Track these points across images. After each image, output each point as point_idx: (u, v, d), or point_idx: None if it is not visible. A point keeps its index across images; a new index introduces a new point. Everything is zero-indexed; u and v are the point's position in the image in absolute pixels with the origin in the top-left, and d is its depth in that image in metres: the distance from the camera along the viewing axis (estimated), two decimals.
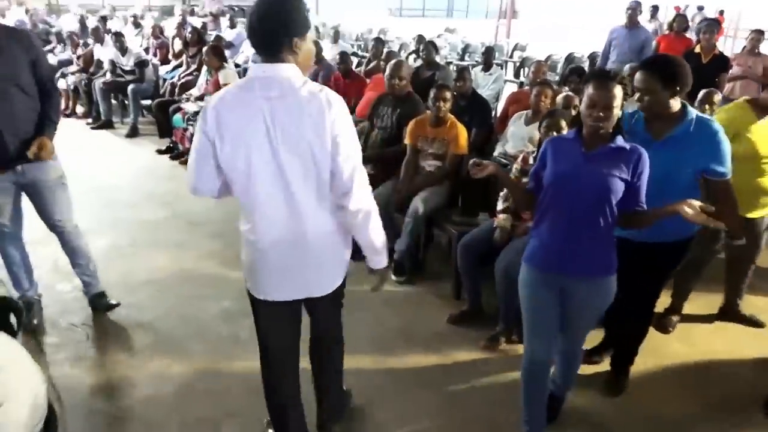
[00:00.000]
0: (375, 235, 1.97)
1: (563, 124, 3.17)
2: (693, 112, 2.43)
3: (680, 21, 6.95)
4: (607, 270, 2.23)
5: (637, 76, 2.41)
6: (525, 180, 3.02)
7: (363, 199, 1.89)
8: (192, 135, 5.93)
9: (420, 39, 7.38)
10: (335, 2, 28.69)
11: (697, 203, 1.89)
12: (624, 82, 2.14)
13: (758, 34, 6.19)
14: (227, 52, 9.14)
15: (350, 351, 3.12)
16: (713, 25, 5.29)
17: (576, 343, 2.47)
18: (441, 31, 14.62)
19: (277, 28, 1.75)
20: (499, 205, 3.35)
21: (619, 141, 2.13)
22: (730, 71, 5.72)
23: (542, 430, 2.45)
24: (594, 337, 3.15)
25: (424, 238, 3.99)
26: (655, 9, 11.83)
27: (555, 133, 3.03)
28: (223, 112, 1.79)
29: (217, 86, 5.96)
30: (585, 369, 3.02)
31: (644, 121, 2.49)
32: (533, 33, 16.25)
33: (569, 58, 10.10)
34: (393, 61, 4.34)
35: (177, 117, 6.23)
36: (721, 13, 19.99)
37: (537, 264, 2.30)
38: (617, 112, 2.08)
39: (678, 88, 2.36)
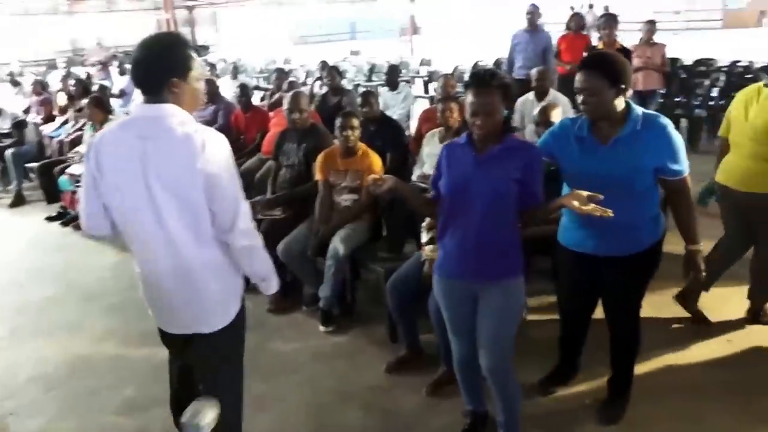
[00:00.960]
0: (260, 266, 2.02)
1: None
2: (638, 109, 2.27)
3: (577, 19, 7.01)
4: (513, 272, 2.20)
5: (580, 76, 2.22)
6: None
7: (246, 236, 1.91)
8: None
9: (323, 65, 7.09)
10: (236, 37, 28.27)
11: (584, 193, 1.90)
12: (505, 82, 2.08)
13: (651, 24, 6.30)
14: (120, 101, 8.58)
15: (281, 420, 2.75)
16: (611, 20, 5.31)
17: (497, 359, 2.25)
18: (346, 54, 14.51)
19: (154, 69, 1.80)
20: (424, 237, 3.05)
21: (510, 140, 2.12)
22: (632, 63, 5.75)
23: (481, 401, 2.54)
24: (547, 364, 2.90)
25: (350, 280, 3.63)
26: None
27: None
28: (102, 150, 1.84)
29: None
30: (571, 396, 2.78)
31: (589, 124, 2.30)
32: (437, 47, 16.43)
33: (475, 68, 10.13)
34: (290, 94, 4.00)
35: (63, 179, 5.62)
36: (606, 9, 21.08)
37: (444, 273, 2.28)
38: (500, 115, 2.08)
39: (623, 86, 2.19)
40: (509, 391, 2.33)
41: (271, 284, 2.09)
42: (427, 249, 3.02)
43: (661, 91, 6.75)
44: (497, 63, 10.34)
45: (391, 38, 24.94)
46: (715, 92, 7.26)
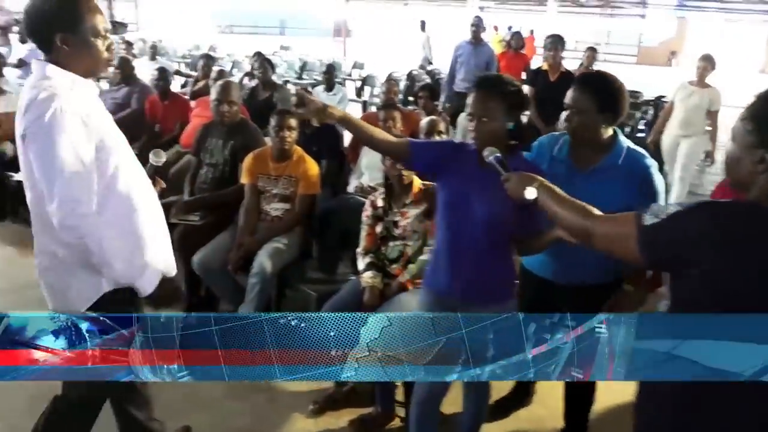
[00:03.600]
0: (103, 254, 1.67)
1: None
2: (625, 142, 2.13)
3: (517, 39, 6.97)
4: (506, 297, 2.07)
5: (571, 93, 2.06)
6: (379, 229, 2.71)
7: (66, 228, 1.62)
8: None
9: (258, 56, 6.57)
10: (157, 17, 26.79)
11: None
12: (511, 90, 1.87)
13: (593, 51, 6.31)
14: (18, 71, 7.66)
15: None
16: (557, 42, 5.19)
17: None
18: (276, 48, 13.93)
19: (39, 21, 1.66)
20: (360, 264, 2.72)
21: (516, 158, 1.90)
22: None
23: None
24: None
25: (275, 302, 3.22)
26: (422, 23, 12.35)
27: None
28: None
29: None
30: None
31: (569, 147, 2.14)
32: (369, 51, 16.19)
33: (411, 76, 9.94)
34: (219, 83, 3.54)
35: None
36: (532, 32, 21.69)
37: (433, 286, 2.10)
38: (498, 125, 1.87)
39: (613, 116, 2.04)
40: (485, 398, 2.30)
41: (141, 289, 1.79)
42: (366, 276, 2.68)
43: None
44: (431, 74, 10.22)
45: (322, 37, 24.51)
46: (641, 125, 7.44)
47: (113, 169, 1.71)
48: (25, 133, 1.61)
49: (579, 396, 2.42)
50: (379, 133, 2.03)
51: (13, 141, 4.67)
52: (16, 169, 4.24)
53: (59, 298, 1.80)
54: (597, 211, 1.46)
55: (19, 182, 4.03)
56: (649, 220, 1.26)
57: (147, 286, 1.80)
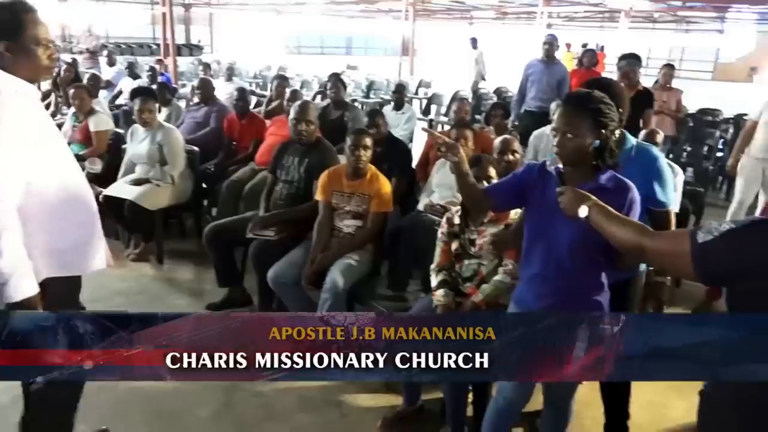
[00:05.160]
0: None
1: (492, 171, 2.73)
2: (632, 139, 2.24)
3: (590, 56, 6.85)
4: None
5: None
6: (455, 246, 2.68)
7: None
8: None
9: (333, 76, 6.71)
10: (229, 40, 27.95)
11: None
12: (597, 107, 1.81)
13: (670, 68, 6.11)
14: (104, 92, 8.15)
15: None
16: (634, 62, 5.05)
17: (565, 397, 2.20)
18: (343, 68, 14.23)
19: None
20: (434, 280, 2.70)
21: (603, 179, 1.85)
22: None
23: None
24: None
25: None
26: (474, 40, 12.45)
27: (485, 183, 2.57)
28: None
29: (87, 134, 4.98)
30: None
31: None
32: (434, 69, 16.27)
33: (477, 95, 9.94)
34: (298, 103, 3.64)
35: None
36: (602, 49, 21.18)
37: (520, 304, 2.10)
38: (583, 142, 1.81)
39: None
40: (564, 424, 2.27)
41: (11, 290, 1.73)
42: (439, 294, 2.67)
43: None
44: (498, 92, 10.17)
45: (387, 56, 24.86)
46: (720, 144, 7.12)
47: (42, 168, 1.86)
48: None
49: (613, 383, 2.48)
50: (473, 185, 2.06)
51: (101, 157, 4.98)
52: (105, 184, 4.51)
53: None
54: (649, 228, 1.49)
55: (106, 197, 4.30)
56: (702, 237, 1.28)
57: (12, 292, 1.74)
